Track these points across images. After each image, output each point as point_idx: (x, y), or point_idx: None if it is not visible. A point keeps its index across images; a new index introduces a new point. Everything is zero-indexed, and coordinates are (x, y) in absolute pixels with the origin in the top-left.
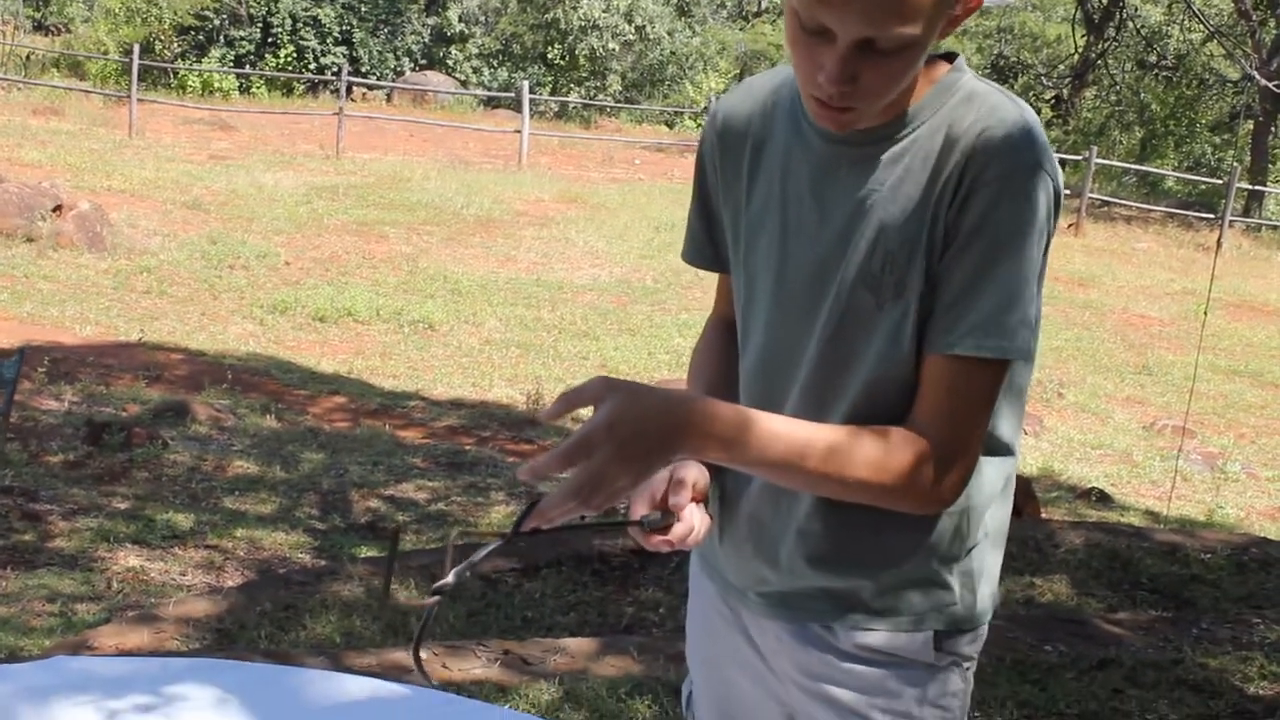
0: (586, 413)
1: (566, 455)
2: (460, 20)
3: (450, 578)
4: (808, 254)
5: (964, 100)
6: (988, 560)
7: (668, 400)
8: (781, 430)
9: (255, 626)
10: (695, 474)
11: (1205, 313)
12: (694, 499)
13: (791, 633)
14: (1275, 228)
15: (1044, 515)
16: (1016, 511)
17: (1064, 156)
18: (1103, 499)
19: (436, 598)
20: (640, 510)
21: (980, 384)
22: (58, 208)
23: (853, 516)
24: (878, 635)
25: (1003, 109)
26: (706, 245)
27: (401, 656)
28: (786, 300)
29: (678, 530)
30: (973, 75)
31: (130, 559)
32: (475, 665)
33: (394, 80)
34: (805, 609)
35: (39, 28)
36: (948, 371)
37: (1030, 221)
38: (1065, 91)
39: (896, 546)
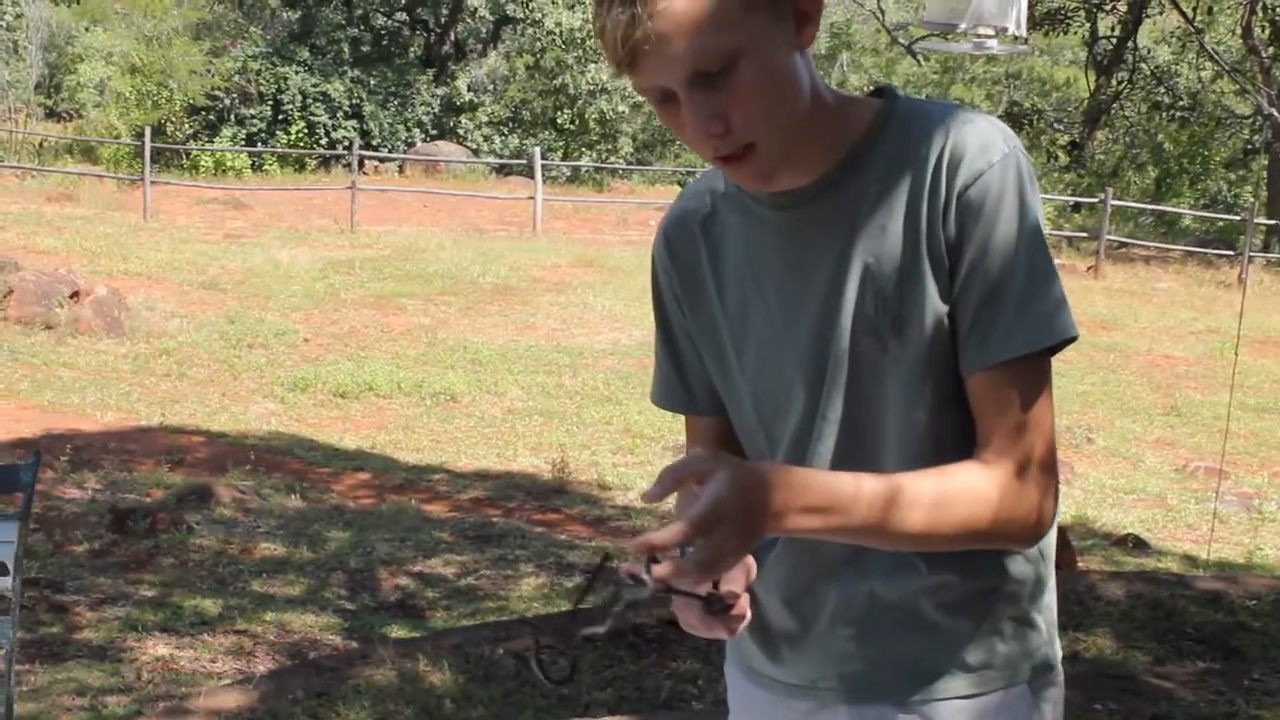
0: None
1: (697, 525)
2: (469, 89)
3: (600, 628)
4: (803, 327)
5: (905, 121)
6: (1053, 595)
7: (766, 474)
8: (870, 488)
9: (287, 716)
10: (751, 563)
11: (1236, 351)
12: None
13: None
14: None
15: (1081, 564)
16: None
17: (1079, 199)
18: (1139, 545)
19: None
20: (694, 586)
21: (1035, 382)
22: (75, 294)
23: (934, 566)
24: (970, 704)
25: (949, 117)
26: (678, 388)
27: None
28: (799, 384)
29: (736, 614)
30: (905, 97)
31: (159, 648)
32: None
33: (405, 151)
34: (892, 681)
35: (51, 115)
36: (998, 383)
37: (1024, 207)
38: (1078, 135)
39: (985, 589)
